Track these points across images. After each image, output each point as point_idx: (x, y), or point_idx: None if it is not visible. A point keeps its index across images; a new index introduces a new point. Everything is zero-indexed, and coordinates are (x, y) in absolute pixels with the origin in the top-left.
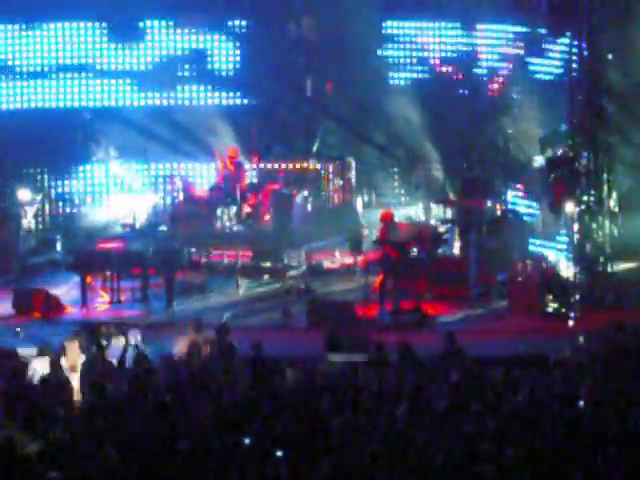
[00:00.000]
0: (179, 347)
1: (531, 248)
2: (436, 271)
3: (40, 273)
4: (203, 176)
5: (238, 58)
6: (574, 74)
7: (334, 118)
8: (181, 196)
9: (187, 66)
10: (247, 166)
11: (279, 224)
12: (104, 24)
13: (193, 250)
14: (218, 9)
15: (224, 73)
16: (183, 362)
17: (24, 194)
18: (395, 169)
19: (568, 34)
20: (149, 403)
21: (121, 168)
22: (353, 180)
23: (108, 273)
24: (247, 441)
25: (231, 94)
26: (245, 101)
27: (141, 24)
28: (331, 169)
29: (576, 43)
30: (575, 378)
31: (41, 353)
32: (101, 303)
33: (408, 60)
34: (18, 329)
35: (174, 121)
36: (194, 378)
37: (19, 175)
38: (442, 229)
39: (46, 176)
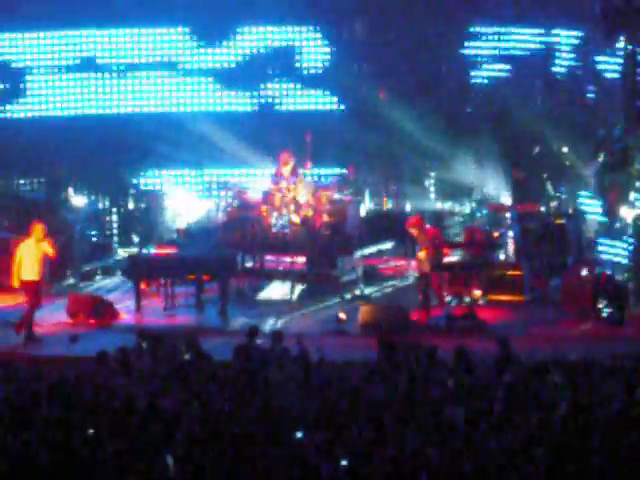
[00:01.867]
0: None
1: (594, 250)
2: (490, 276)
3: (95, 279)
4: (256, 182)
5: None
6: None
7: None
8: (235, 202)
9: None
10: (301, 171)
11: (333, 230)
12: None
13: (247, 256)
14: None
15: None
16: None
17: (78, 200)
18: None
19: (623, 38)
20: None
21: (175, 174)
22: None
23: (162, 279)
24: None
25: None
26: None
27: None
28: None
29: (630, 47)
30: (632, 384)
31: (98, 359)
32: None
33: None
34: (73, 336)
35: (227, 127)
36: (248, 383)
37: (74, 181)
38: (496, 234)
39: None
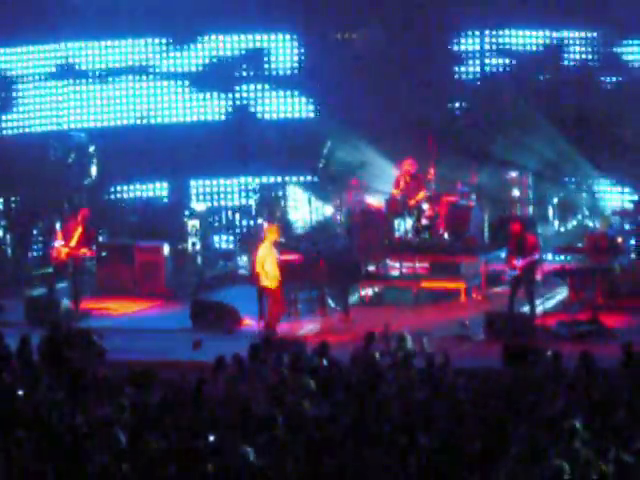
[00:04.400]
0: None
1: None
2: (613, 282)
3: (218, 286)
4: (380, 187)
5: None
6: None
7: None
8: (358, 207)
9: None
10: (424, 177)
11: (456, 235)
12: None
13: (370, 261)
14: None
15: None
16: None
17: (199, 206)
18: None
19: None
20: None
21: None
22: (530, 191)
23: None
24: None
25: None
26: None
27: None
28: (508, 180)
29: None
30: None
31: (218, 365)
32: None
33: None
34: (197, 341)
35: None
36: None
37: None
38: (620, 239)
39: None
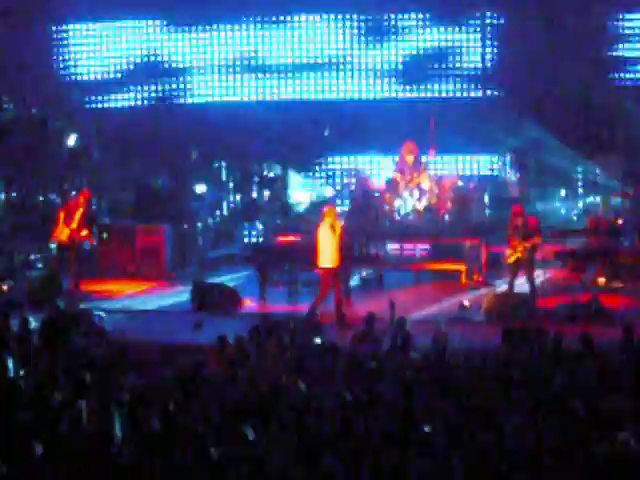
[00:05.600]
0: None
1: None
2: (614, 263)
3: (219, 266)
4: (381, 169)
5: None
6: None
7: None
8: (359, 189)
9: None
10: (424, 159)
11: (457, 217)
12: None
13: (370, 243)
14: None
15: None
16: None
17: (201, 188)
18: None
19: None
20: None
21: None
22: (531, 172)
23: (286, 267)
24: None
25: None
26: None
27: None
28: (508, 161)
29: None
30: None
31: (221, 345)
32: None
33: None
34: (198, 323)
35: (351, 115)
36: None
37: (199, 169)
38: (620, 221)
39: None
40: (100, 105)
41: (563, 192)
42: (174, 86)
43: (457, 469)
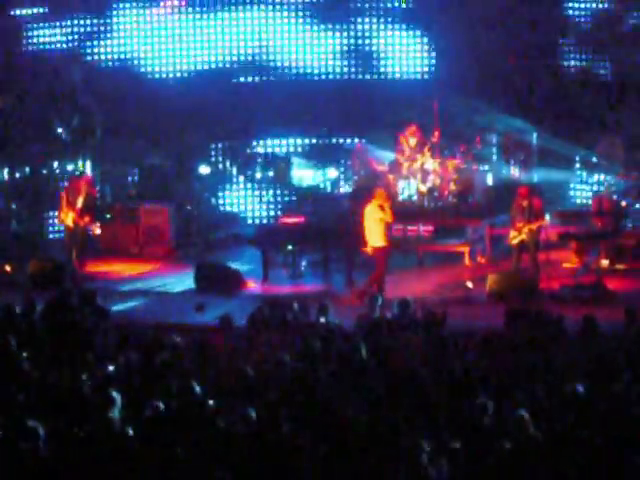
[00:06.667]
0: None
1: None
2: (618, 245)
3: (222, 248)
4: (384, 150)
5: None
6: None
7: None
8: (362, 170)
9: None
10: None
11: (460, 198)
12: None
13: None
14: None
15: None
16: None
17: (205, 169)
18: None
19: None
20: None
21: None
22: (534, 153)
23: (289, 248)
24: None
25: None
26: None
27: None
28: (510, 142)
29: None
30: None
31: (223, 325)
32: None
33: None
34: (200, 305)
35: (355, 94)
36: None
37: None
38: (624, 203)
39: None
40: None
41: (566, 174)
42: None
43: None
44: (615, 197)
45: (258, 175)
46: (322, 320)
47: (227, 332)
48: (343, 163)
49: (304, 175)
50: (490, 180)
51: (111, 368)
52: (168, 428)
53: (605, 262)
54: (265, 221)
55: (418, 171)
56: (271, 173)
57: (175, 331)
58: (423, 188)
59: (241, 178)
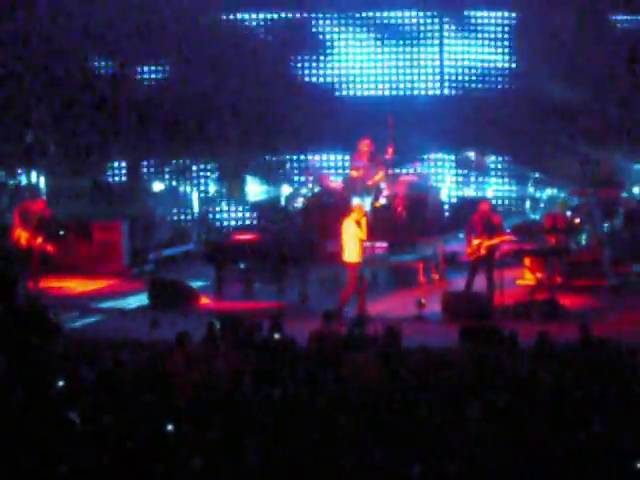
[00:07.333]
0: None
1: None
2: (571, 262)
3: (176, 264)
4: (338, 167)
5: None
6: None
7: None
8: (315, 187)
9: None
10: (381, 157)
11: (414, 215)
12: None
13: (328, 241)
14: None
15: None
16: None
17: (159, 186)
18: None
19: None
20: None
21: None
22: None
23: (242, 265)
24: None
25: None
26: None
27: None
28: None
29: None
30: None
31: (179, 343)
32: None
33: None
34: (154, 321)
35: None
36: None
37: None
38: (577, 220)
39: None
40: None
41: (521, 189)
42: None
43: None
44: (568, 213)
45: (212, 190)
46: (276, 336)
47: (183, 348)
48: (297, 180)
49: (258, 191)
50: (444, 196)
51: (62, 384)
52: (123, 446)
53: (558, 279)
54: (219, 237)
55: (372, 187)
56: (224, 189)
57: (129, 348)
58: (377, 204)
59: (195, 194)
